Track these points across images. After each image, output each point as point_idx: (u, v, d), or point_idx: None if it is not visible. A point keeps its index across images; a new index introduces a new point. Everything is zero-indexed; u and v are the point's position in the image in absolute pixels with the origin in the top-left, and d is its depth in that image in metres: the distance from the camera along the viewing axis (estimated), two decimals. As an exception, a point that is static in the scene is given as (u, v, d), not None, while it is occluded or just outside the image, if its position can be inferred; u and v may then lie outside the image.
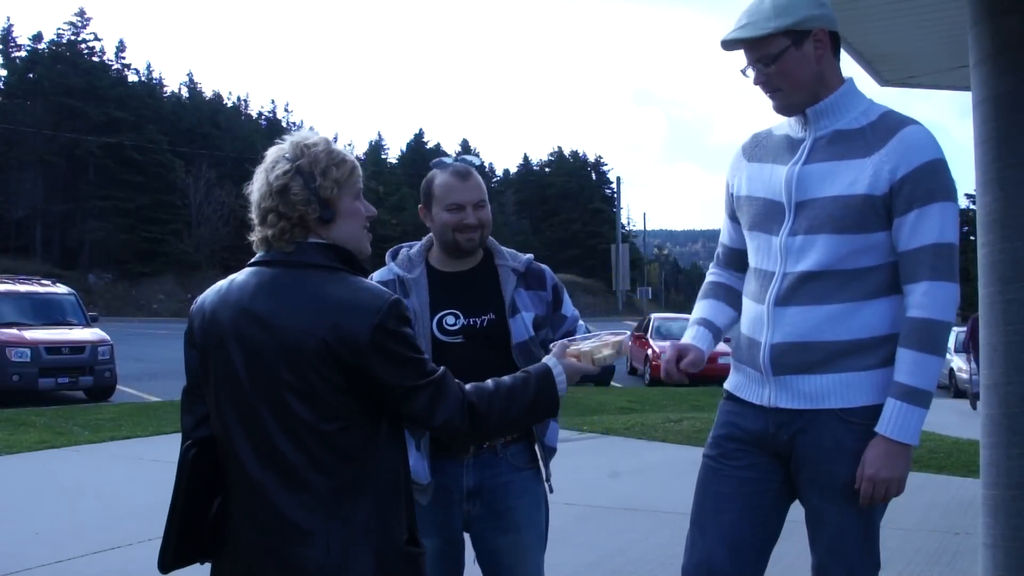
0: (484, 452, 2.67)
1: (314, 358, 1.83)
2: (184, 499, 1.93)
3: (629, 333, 2.36)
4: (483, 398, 1.97)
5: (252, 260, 2.00)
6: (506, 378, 2.05)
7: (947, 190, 2.29)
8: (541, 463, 2.77)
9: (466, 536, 2.75)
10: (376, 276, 2.66)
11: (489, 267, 2.77)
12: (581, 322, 2.97)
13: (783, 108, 2.43)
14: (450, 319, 2.65)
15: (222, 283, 2.02)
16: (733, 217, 2.62)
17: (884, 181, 2.28)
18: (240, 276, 1.99)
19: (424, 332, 2.62)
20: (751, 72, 2.42)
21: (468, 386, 1.98)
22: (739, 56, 2.44)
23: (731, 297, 2.65)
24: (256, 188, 1.97)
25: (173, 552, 1.93)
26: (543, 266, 2.86)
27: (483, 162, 2.87)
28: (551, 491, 2.82)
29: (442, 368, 1.95)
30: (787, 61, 2.33)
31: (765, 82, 2.39)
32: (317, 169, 1.93)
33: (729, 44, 2.41)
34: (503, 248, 2.81)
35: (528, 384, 2.04)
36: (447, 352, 2.58)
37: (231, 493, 1.94)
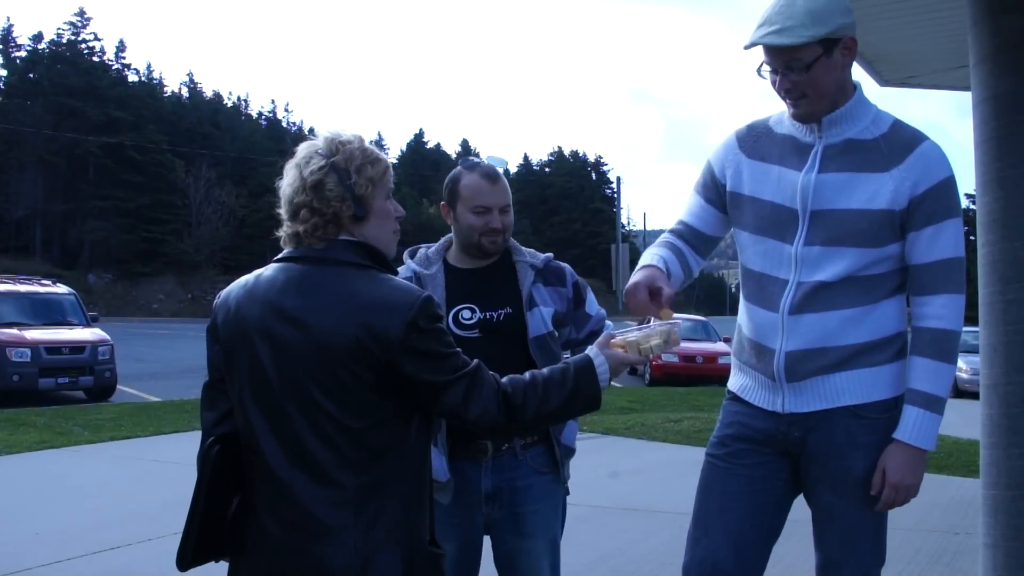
0: (504, 454, 2.64)
1: (346, 356, 1.81)
2: (206, 496, 1.91)
3: (680, 322, 2.26)
4: (518, 389, 1.93)
5: (280, 256, 1.97)
6: (544, 369, 2.01)
7: (959, 206, 2.38)
8: (560, 465, 2.73)
9: (485, 539, 2.72)
10: None
11: (507, 263, 2.75)
12: (608, 322, 2.92)
13: (805, 116, 2.37)
14: (466, 313, 2.64)
15: (248, 277, 1.98)
16: (710, 200, 2.58)
17: (904, 197, 2.30)
18: (267, 271, 1.96)
19: None
20: (769, 75, 2.35)
21: (504, 378, 1.95)
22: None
23: (685, 263, 2.58)
24: (288, 183, 1.94)
25: (193, 549, 1.91)
26: (563, 264, 2.84)
27: (508, 167, 2.85)
28: (568, 493, 2.79)
29: (475, 361, 1.93)
30: (818, 69, 2.28)
31: (791, 89, 2.32)
32: (352, 166, 1.91)
33: (755, 46, 2.31)
34: (522, 247, 2.79)
35: (567, 375, 1.98)
36: (463, 346, 2.57)
37: (256, 490, 1.91)
